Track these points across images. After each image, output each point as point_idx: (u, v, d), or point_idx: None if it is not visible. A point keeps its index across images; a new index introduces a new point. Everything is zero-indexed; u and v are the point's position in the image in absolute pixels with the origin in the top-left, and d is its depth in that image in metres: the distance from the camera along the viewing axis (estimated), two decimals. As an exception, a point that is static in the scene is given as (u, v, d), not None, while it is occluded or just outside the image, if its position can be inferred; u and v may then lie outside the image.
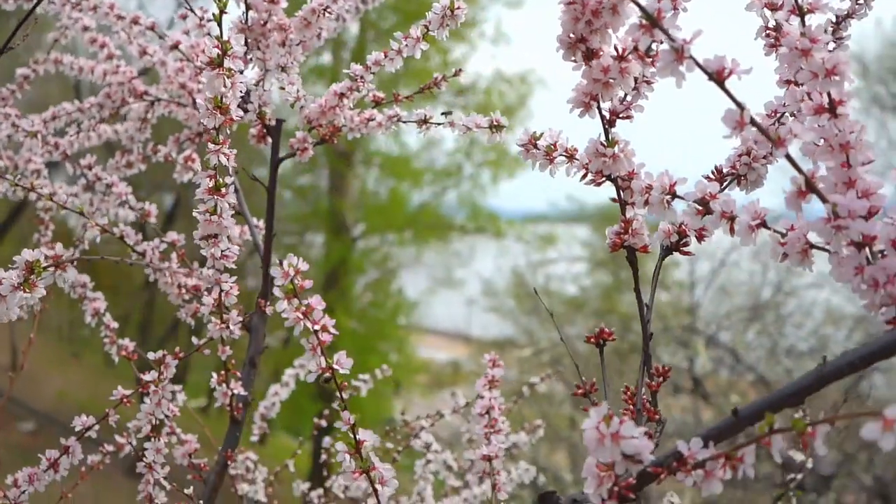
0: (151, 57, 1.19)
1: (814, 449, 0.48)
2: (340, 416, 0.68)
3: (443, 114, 0.88)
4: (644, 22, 0.53)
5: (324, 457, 1.38)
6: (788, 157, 0.53)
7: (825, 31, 0.74)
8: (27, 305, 1.31)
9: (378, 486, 0.67)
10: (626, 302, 9.41)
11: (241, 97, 1.00)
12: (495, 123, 0.86)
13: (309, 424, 1.57)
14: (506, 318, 9.93)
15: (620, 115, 0.64)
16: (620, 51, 0.59)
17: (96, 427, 0.99)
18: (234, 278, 0.91)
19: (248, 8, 0.96)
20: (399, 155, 11.68)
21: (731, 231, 0.60)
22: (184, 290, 1.06)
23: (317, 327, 0.64)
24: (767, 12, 0.65)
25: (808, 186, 0.54)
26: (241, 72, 1.01)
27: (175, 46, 1.07)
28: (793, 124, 0.56)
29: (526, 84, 10.69)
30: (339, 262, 10.84)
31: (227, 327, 0.93)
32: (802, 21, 0.56)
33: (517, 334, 9.20)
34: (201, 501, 0.98)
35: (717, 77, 0.53)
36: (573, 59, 0.61)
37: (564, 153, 0.67)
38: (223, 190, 0.80)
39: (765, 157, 0.68)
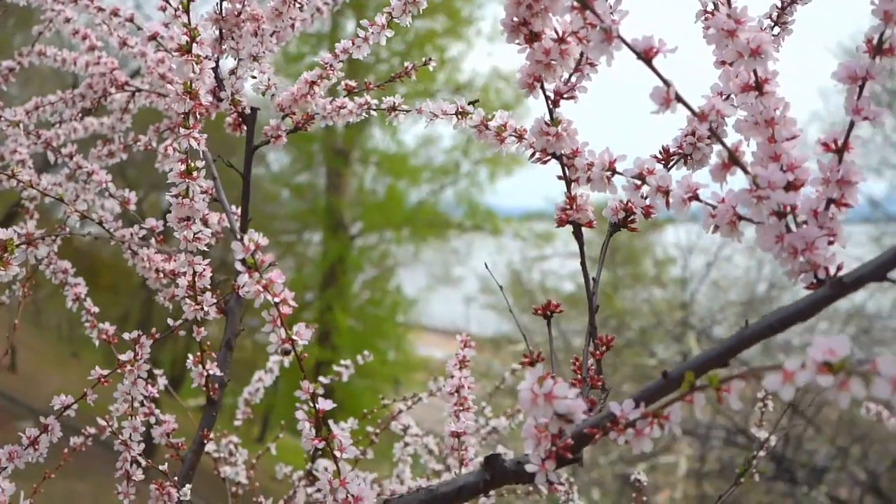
0: (132, 48, 1.22)
1: (728, 403, 0.50)
2: (301, 386, 0.71)
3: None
4: (575, 4, 0.56)
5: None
6: (712, 131, 0.56)
7: (770, 17, 0.77)
8: (13, 295, 1.34)
9: (337, 453, 0.70)
10: (623, 298, 9.44)
11: (216, 86, 1.03)
12: (461, 110, 0.89)
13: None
14: (503, 314, 9.96)
15: (564, 96, 0.67)
16: (560, 33, 0.62)
17: (72, 410, 1.02)
18: (208, 261, 0.94)
19: (222, -1, 0.99)
20: (396, 153, 11.71)
21: (667, 204, 0.63)
22: (161, 275, 1.09)
23: (277, 300, 0.67)
24: (706, -3, 0.68)
25: (732, 159, 0.57)
26: (217, 61, 1.05)
27: (153, 37, 1.10)
28: (717, 101, 0.59)
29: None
30: (336, 260, 10.87)
31: (202, 309, 0.96)
32: (729, 3, 0.59)
33: (514, 331, 9.24)
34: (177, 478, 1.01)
35: (645, 56, 0.56)
36: (517, 41, 0.64)
37: (513, 133, 0.69)
38: (194, 173, 0.83)
39: (709, 138, 0.71)
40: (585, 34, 0.57)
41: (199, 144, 0.81)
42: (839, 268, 0.55)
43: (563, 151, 0.67)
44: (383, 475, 1.49)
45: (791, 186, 0.58)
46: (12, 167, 1.05)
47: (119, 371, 1.01)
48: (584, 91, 0.68)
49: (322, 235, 11.55)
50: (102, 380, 0.98)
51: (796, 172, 0.58)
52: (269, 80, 0.99)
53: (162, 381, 1.17)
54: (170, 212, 1.08)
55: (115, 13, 1.16)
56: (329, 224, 11.11)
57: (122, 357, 0.95)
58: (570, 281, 10.98)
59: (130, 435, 0.98)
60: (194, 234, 0.88)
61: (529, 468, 0.59)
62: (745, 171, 0.57)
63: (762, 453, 1.17)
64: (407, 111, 1.01)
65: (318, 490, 0.69)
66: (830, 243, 0.56)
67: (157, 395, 1.08)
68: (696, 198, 0.62)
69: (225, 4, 1.01)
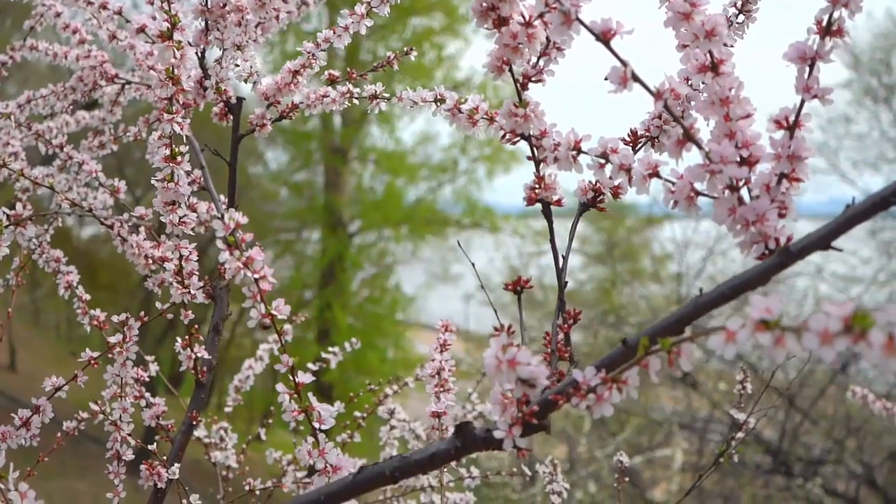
0: (121, 41, 1.24)
1: (679, 366, 0.53)
2: (280, 359, 0.73)
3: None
4: (537, -13, 0.58)
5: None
6: (666, 108, 0.59)
7: (734, 4, 0.80)
8: (6, 284, 1.36)
9: (316, 425, 0.73)
10: (621, 295, 9.47)
11: (202, 77, 1.06)
12: (439, 97, 0.91)
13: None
14: (502, 311, 9.98)
15: (532, 79, 0.70)
16: (527, 17, 0.65)
17: (63, 392, 1.04)
18: (195, 245, 0.97)
19: (208, -9, 1.01)
20: (394, 151, 11.74)
21: (629, 181, 0.66)
22: (150, 262, 1.11)
23: (257, 276, 0.70)
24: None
25: (686, 136, 0.60)
26: (203, 52, 1.07)
27: (141, 30, 1.12)
28: (672, 81, 0.61)
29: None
30: (335, 258, 10.89)
31: (189, 292, 0.98)
32: (686, -14, 0.61)
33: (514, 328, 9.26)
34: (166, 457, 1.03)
35: (603, 37, 0.58)
36: (486, 26, 0.66)
37: (485, 115, 0.72)
38: (178, 158, 0.86)
39: (663, 116, 0.74)
40: (549, 18, 0.60)
41: (182, 129, 0.83)
42: (789, 239, 0.58)
43: (531, 132, 0.70)
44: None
45: (746, 162, 0.61)
46: (3, 157, 1.07)
47: (109, 355, 1.04)
48: (551, 74, 0.70)
49: (321, 233, 11.58)
50: (93, 361, 1.00)
51: (751, 149, 0.61)
52: (251, 67, 1.01)
53: (153, 367, 1.19)
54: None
55: (103, 6, 1.18)
56: (328, 222, 11.13)
57: (112, 339, 0.98)
58: (568, 277, 10.96)
59: (120, 416, 1.01)
60: (180, 217, 0.90)
61: (497, 434, 0.62)
62: (700, 147, 0.59)
63: (741, 434, 1.19)
64: (388, 99, 1.04)
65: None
66: (782, 216, 0.59)
67: (147, 380, 1.11)
68: (656, 174, 0.64)
69: (210, -3, 1.03)
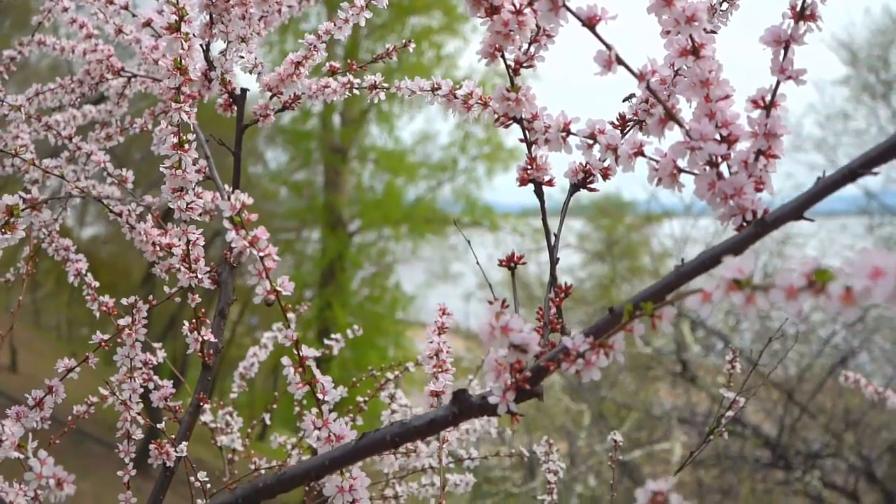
0: (127, 35, 1.28)
1: (661, 330, 0.56)
2: (285, 335, 0.77)
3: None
4: (526, -24, 0.62)
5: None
6: (649, 89, 0.62)
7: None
8: (17, 272, 1.39)
9: (320, 396, 0.76)
10: (621, 292, 9.50)
11: (207, 70, 1.09)
12: (436, 86, 0.95)
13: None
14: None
15: (524, 65, 0.73)
16: (517, 6, 0.68)
17: (75, 373, 1.08)
18: (201, 230, 1.00)
19: (212, -15, 1.04)
20: (394, 150, 11.77)
21: (616, 160, 0.69)
22: (158, 248, 1.15)
23: (262, 254, 0.73)
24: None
25: (668, 115, 0.63)
26: (208, 46, 1.10)
27: (147, 24, 1.15)
28: (654, 63, 0.65)
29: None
30: (335, 257, 10.92)
31: (196, 276, 1.02)
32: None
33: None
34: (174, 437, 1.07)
35: (589, 23, 0.62)
36: (479, 14, 0.70)
37: (479, 100, 0.75)
38: (186, 146, 0.89)
39: (649, 100, 0.77)
40: (538, 5, 0.63)
41: (189, 118, 0.87)
42: (765, 211, 0.61)
43: (523, 115, 0.73)
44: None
45: (726, 140, 0.64)
46: (15, 147, 1.11)
47: (118, 340, 1.08)
48: (541, 60, 0.74)
49: (321, 233, 11.61)
50: (104, 343, 1.04)
51: (730, 128, 0.64)
52: (255, 59, 1.05)
53: (161, 354, 1.23)
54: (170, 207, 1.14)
55: (110, 1, 1.22)
56: (327, 221, 11.16)
57: (121, 322, 1.02)
58: (568, 275, 11.03)
59: (130, 396, 1.04)
60: (187, 203, 0.94)
61: (492, 399, 0.66)
62: (681, 126, 0.63)
63: (730, 413, 1.23)
64: (386, 88, 1.07)
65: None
66: (759, 190, 0.63)
67: (156, 364, 1.14)
68: (641, 153, 0.68)
69: (215, -10, 1.06)
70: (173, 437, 1.07)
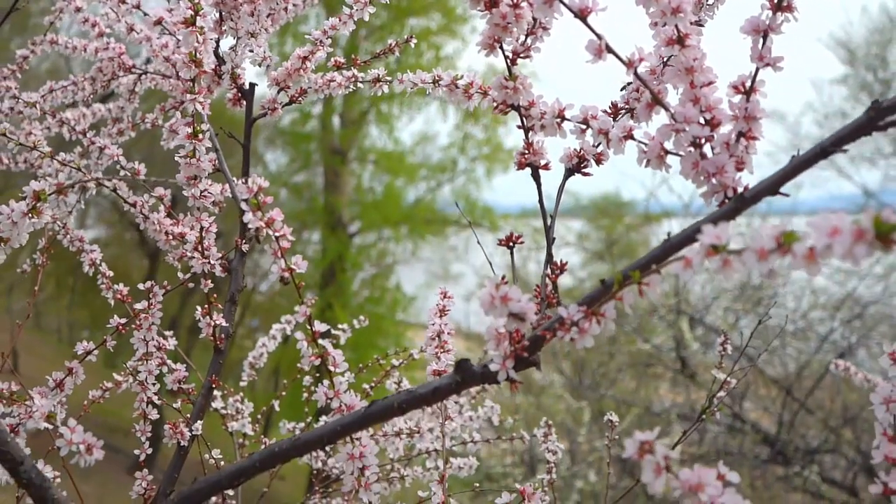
0: (138, 33, 1.32)
1: (649, 297, 0.61)
2: (298, 311, 0.82)
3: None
4: (521, -29, 0.67)
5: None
6: (636, 75, 0.67)
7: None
8: (33, 263, 1.44)
9: (331, 369, 0.81)
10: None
11: (217, 65, 1.14)
12: (437, 79, 0.99)
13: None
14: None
15: (521, 55, 0.78)
16: (514, 0, 0.73)
17: (93, 355, 1.13)
18: (213, 218, 1.05)
19: (221, -16, 1.09)
20: (393, 151, 11.83)
21: (608, 144, 0.74)
22: (170, 237, 1.19)
23: (278, 234, 0.78)
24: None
25: (654, 100, 0.68)
26: (218, 42, 1.15)
27: (158, 22, 1.20)
28: (641, 51, 0.69)
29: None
30: (336, 258, 10.97)
31: (209, 262, 1.07)
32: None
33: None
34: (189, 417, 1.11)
35: (581, 14, 0.66)
36: (479, 8, 0.74)
37: (479, 90, 0.80)
38: (200, 135, 0.94)
39: (644, 87, 0.82)
40: (532, -2, 0.68)
41: (203, 109, 0.92)
42: (745, 188, 0.66)
43: (520, 103, 0.78)
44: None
45: (710, 124, 0.69)
46: (34, 141, 1.15)
47: (134, 326, 1.12)
48: (538, 51, 0.78)
49: (321, 234, 11.65)
50: (121, 327, 1.08)
51: (713, 112, 0.69)
52: (265, 52, 1.10)
53: (172, 342, 1.27)
54: (172, 207, 1.19)
55: (122, 1, 1.27)
56: (328, 223, 11.21)
57: (138, 306, 1.06)
58: (568, 275, 11.04)
59: (146, 378, 1.09)
60: (201, 191, 0.98)
61: (493, 367, 0.70)
62: (666, 109, 0.67)
63: (721, 394, 1.27)
64: (389, 82, 1.12)
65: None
66: (739, 169, 0.67)
67: (170, 348, 1.19)
68: (630, 137, 0.72)
69: (225, -11, 1.11)
70: (187, 416, 1.11)
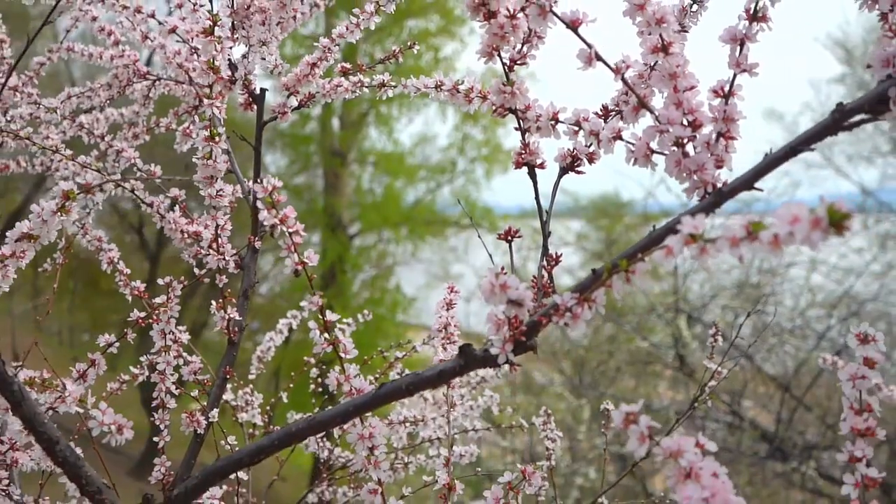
0: (152, 41, 1.38)
1: (635, 283, 0.67)
2: (311, 300, 0.88)
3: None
4: (518, -14, 0.73)
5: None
6: (624, 81, 0.73)
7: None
8: (54, 263, 1.49)
9: (342, 355, 0.87)
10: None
11: (230, 71, 1.20)
12: (439, 83, 1.05)
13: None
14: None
15: (517, 62, 0.84)
16: (511, 11, 0.79)
17: (114, 347, 1.18)
18: (228, 217, 1.11)
19: (234, -5, 1.15)
20: (393, 152, 11.88)
21: (598, 144, 0.80)
22: (186, 236, 1.25)
23: (291, 230, 0.84)
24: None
25: (640, 104, 0.74)
26: (231, 47, 1.21)
27: (173, 31, 1.26)
28: (628, 59, 0.75)
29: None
30: (336, 260, 11.02)
31: (224, 258, 1.13)
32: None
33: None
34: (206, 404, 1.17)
35: (573, 25, 0.72)
36: (478, 19, 0.80)
37: (479, 94, 0.86)
38: (217, 138, 1.00)
39: (631, 92, 0.87)
40: (529, 10, 0.74)
41: (220, 112, 0.97)
42: (724, 184, 0.72)
43: (517, 106, 0.84)
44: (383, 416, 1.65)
45: (692, 125, 0.75)
46: (56, 144, 1.21)
47: (152, 320, 1.18)
48: (533, 58, 0.84)
49: (321, 236, 11.70)
50: (140, 321, 1.14)
51: (695, 114, 0.75)
52: (276, 60, 1.16)
53: (184, 336, 1.33)
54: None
55: (138, 10, 1.33)
56: (328, 224, 11.26)
57: (157, 300, 1.12)
58: (568, 275, 11.13)
59: (165, 368, 1.15)
60: (217, 190, 1.04)
61: (493, 350, 0.76)
62: (651, 112, 0.73)
63: (713, 383, 1.33)
64: (394, 87, 1.18)
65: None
66: (719, 167, 0.73)
67: (185, 341, 1.25)
68: (619, 137, 0.78)
69: (237, 0, 1.17)
70: (204, 405, 1.17)
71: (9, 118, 1.46)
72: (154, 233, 10.77)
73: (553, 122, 0.83)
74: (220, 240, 1.11)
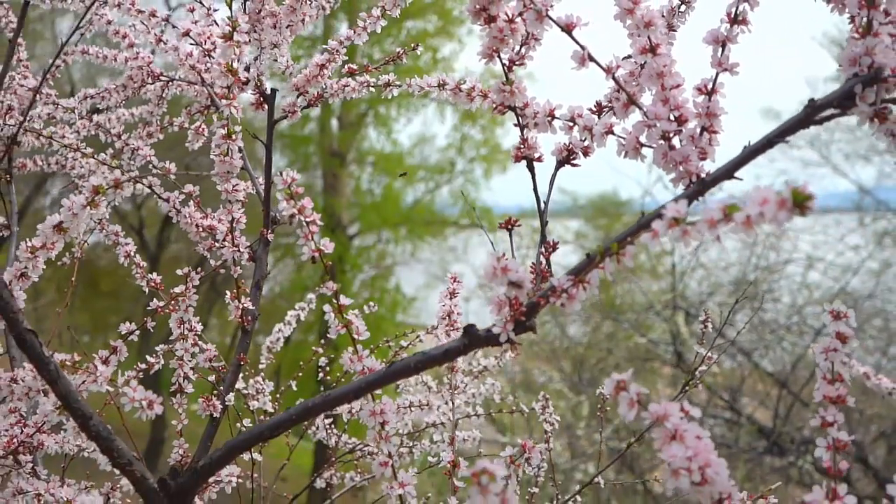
0: (165, 44, 1.44)
1: (625, 264, 0.73)
2: (326, 286, 0.94)
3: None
4: (516, -7, 0.79)
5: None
6: (615, 79, 0.79)
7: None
8: (72, 257, 1.56)
9: (355, 336, 0.93)
10: (620, 292, 9.67)
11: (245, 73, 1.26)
12: (441, 83, 1.12)
13: (310, 423, 1.74)
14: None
15: (516, 63, 0.90)
16: (510, 15, 0.85)
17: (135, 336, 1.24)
18: (243, 210, 1.17)
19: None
20: (392, 152, 11.94)
21: (592, 138, 0.86)
22: (200, 229, 1.31)
23: (308, 219, 0.90)
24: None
25: (630, 100, 0.80)
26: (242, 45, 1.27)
27: (186, 34, 1.32)
28: (618, 59, 0.82)
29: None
30: (335, 260, 11.08)
31: (239, 250, 1.19)
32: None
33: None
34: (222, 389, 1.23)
35: (567, 28, 0.79)
36: (479, 23, 0.87)
37: (480, 93, 0.92)
38: (233, 136, 1.06)
39: (621, 90, 0.94)
40: (526, 15, 0.80)
41: (238, 112, 1.04)
42: (707, 173, 0.78)
43: (516, 104, 0.90)
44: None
45: (678, 121, 0.81)
46: (76, 143, 1.27)
47: (168, 309, 1.24)
48: (531, 59, 0.91)
49: (320, 236, 11.73)
50: (160, 309, 1.20)
51: (681, 110, 0.81)
52: (287, 61, 1.22)
53: (198, 326, 1.39)
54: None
55: (153, 14, 1.39)
56: (327, 225, 11.30)
57: (176, 290, 1.18)
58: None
59: (183, 354, 1.21)
60: (233, 185, 1.10)
61: (495, 330, 0.82)
62: (640, 108, 0.80)
63: (703, 368, 1.39)
64: (399, 86, 1.24)
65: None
66: (703, 158, 0.79)
67: (199, 332, 1.31)
68: (611, 132, 0.85)
69: (249, 4, 1.24)
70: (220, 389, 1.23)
71: (27, 118, 1.52)
72: (154, 234, 10.84)
73: (550, 119, 0.89)
74: (234, 232, 1.17)
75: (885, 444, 6.81)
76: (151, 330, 1.23)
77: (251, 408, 1.56)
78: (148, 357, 1.46)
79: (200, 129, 1.48)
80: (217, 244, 1.26)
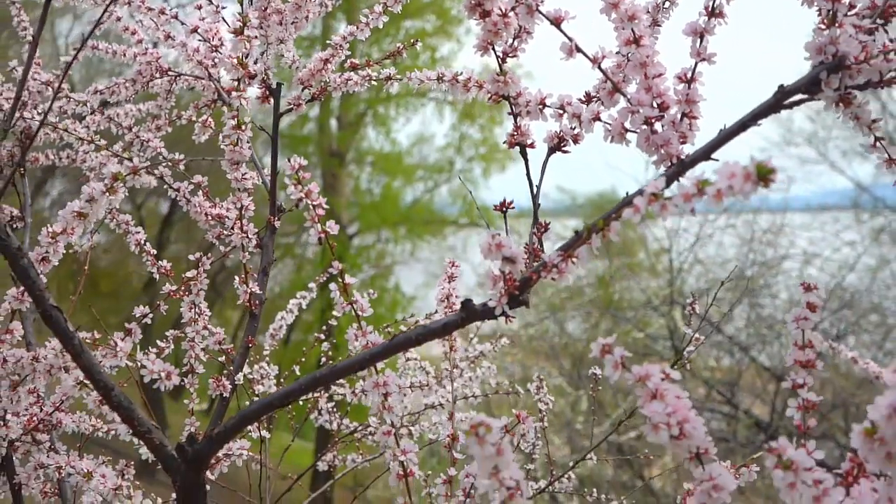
0: (173, 40, 1.50)
1: (612, 239, 0.79)
2: (332, 265, 1.00)
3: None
4: (509, -12, 0.85)
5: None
6: (601, 69, 0.85)
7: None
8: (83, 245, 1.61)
9: (359, 313, 0.99)
10: (621, 289, 9.73)
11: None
12: (440, 76, 1.17)
13: (310, 424, 1.80)
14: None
15: (509, 55, 0.96)
16: (503, 10, 0.91)
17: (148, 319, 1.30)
18: (251, 198, 1.23)
19: (252, -3, 1.28)
20: (391, 152, 12.01)
21: (580, 125, 0.92)
22: (209, 218, 1.37)
23: (315, 203, 0.96)
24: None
25: (614, 88, 0.86)
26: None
27: (194, 30, 1.38)
28: (604, 50, 0.88)
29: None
30: (335, 260, 11.12)
31: (247, 236, 1.25)
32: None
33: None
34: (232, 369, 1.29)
35: (556, 22, 0.85)
36: (475, 17, 0.92)
37: (476, 84, 0.98)
38: (242, 126, 1.12)
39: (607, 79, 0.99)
40: (518, 10, 0.86)
41: (247, 104, 1.10)
42: (687, 157, 0.84)
43: (510, 93, 0.96)
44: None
45: (660, 107, 0.87)
46: (90, 135, 1.33)
47: (181, 294, 1.30)
48: (523, 51, 0.96)
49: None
50: (172, 293, 1.26)
51: (662, 98, 0.87)
52: (294, 56, 1.28)
53: (207, 312, 1.45)
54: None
55: (162, 12, 1.45)
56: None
57: (188, 274, 1.24)
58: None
59: (194, 336, 1.27)
60: (242, 174, 1.16)
61: (490, 303, 0.88)
62: (624, 96, 0.85)
63: (691, 348, 1.45)
64: (400, 79, 1.30)
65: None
66: (683, 142, 0.85)
67: (209, 315, 1.37)
68: (598, 118, 0.90)
69: (255, 1, 1.30)
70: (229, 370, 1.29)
71: (39, 112, 1.58)
72: (154, 235, 10.89)
73: (541, 107, 0.95)
74: (243, 220, 1.23)
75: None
76: (150, 322, 1.29)
77: (256, 392, 1.62)
78: (158, 342, 1.53)
79: (207, 123, 1.54)
80: (226, 232, 1.32)
